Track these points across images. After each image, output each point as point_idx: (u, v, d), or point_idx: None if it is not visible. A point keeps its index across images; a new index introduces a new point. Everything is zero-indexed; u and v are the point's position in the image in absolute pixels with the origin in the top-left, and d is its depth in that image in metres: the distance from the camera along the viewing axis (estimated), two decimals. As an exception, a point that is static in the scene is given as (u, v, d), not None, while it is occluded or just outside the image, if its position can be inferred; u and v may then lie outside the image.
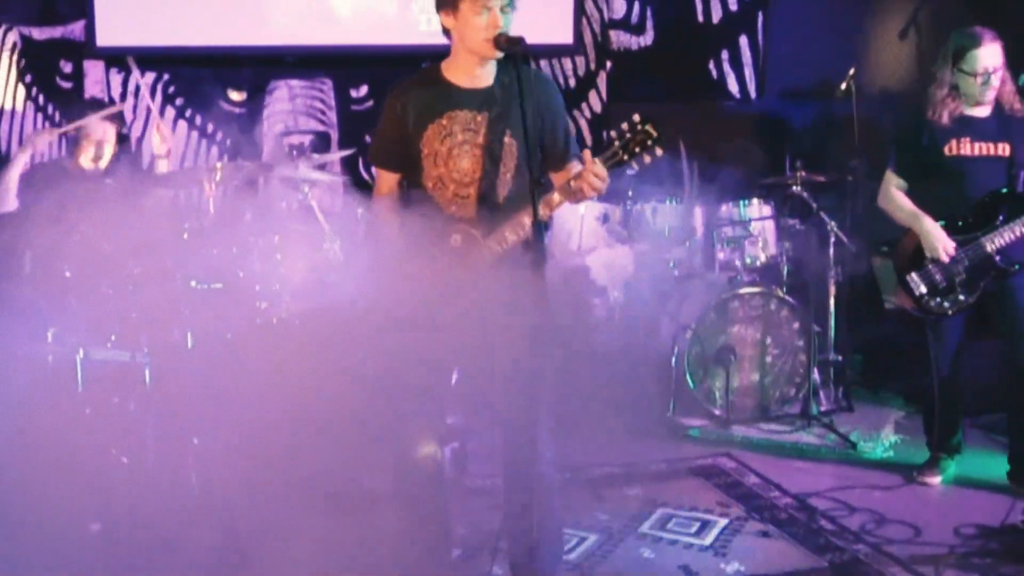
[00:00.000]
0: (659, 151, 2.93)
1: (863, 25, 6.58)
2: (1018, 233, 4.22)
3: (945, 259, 4.29)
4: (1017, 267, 4.26)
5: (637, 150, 2.93)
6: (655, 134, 2.91)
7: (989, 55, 4.23)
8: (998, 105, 4.33)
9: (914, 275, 4.37)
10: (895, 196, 4.45)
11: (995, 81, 4.25)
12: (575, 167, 3.13)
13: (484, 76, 3.13)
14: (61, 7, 6.29)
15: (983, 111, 4.34)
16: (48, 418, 4.03)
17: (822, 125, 6.01)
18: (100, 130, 4.65)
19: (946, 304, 4.34)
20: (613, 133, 2.96)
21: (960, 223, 4.31)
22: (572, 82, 7.10)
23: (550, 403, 3.18)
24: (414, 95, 3.14)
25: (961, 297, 4.31)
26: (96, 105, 4.90)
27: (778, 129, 6.49)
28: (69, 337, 4.09)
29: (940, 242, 4.29)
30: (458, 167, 3.13)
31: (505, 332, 2.96)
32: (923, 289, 4.35)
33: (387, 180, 3.25)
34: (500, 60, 3.10)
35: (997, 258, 4.26)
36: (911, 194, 4.43)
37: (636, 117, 2.92)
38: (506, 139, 3.13)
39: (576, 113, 7.09)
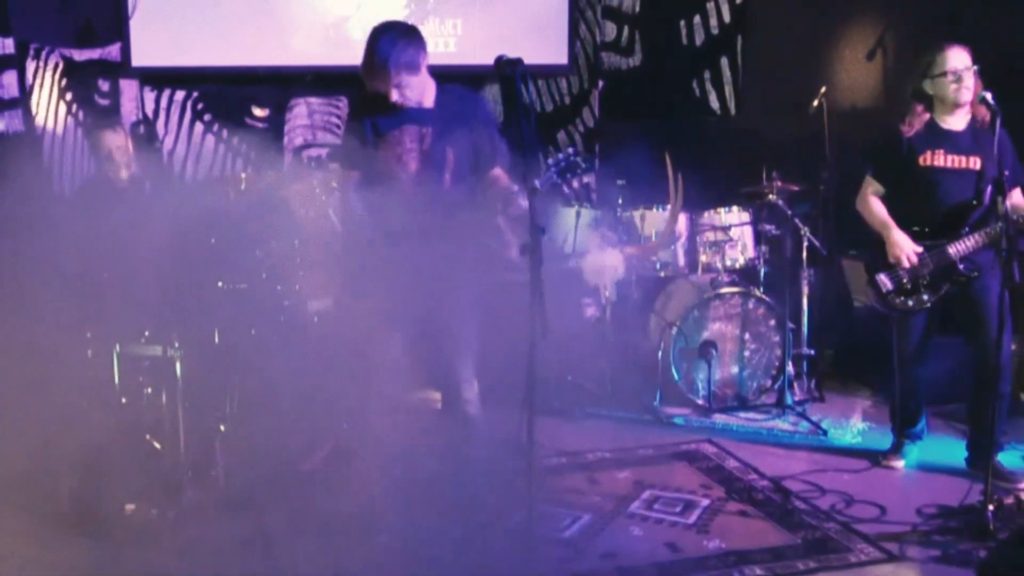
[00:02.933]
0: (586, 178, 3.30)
1: (833, 47, 6.58)
2: (980, 242, 4.20)
3: (906, 266, 4.29)
4: (976, 273, 4.25)
5: (568, 175, 3.31)
6: (583, 166, 3.32)
7: (955, 57, 4.18)
8: (972, 120, 4.29)
9: (883, 275, 4.36)
10: (871, 203, 4.41)
11: (968, 81, 4.17)
12: (497, 173, 3.60)
13: (427, 100, 3.56)
14: (100, 31, 6.30)
15: (959, 123, 4.29)
16: (87, 408, 4.05)
17: (796, 139, 6.00)
18: (109, 139, 4.65)
19: (910, 302, 4.33)
20: (551, 160, 3.31)
21: (929, 230, 4.30)
22: (567, 99, 7.11)
23: (471, 349, 3.62)
24: (378, 113, 3.56)
25: (924, 297, 4.31)
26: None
27: (755, 143, 6.49)
28: (107, 334, 4.10)
29: (903, 252, 4.28)
30: (407, 169, 3.54)
31: (441, 282, 3.44)
32: (890, 287, 4.35)
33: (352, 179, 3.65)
34: (439, 85, 3.57)
35: (960, 265, 4.25)
36: (886, 199, 4.42)
37: (570, 149, 3.30)
38: (447, 148, 3.54)
39: (571, 128, 7.10)
